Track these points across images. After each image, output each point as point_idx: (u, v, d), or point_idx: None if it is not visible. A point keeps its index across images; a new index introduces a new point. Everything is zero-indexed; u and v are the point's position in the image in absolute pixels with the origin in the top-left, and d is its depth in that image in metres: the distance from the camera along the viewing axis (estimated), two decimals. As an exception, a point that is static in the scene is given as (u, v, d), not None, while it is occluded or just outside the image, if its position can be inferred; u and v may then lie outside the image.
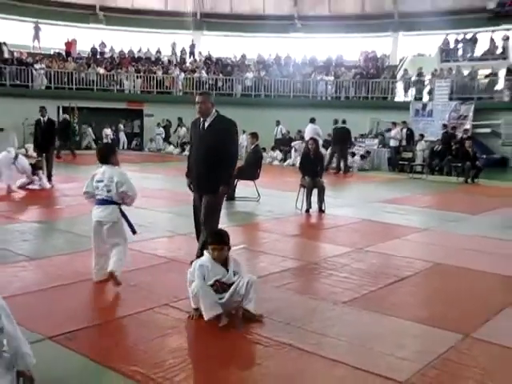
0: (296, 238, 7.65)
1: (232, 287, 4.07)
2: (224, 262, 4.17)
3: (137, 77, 24.36)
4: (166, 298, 4.55)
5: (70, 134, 20.00)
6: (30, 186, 11.01)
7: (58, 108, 21.75)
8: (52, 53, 25.66)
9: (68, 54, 25.52)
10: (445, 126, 18.55)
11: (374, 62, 24.70)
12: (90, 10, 27.18)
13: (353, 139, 18.44)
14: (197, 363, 3.55)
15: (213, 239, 4.24)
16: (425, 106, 20.60)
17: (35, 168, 11.14)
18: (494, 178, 15.37)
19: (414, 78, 21.84)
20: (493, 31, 22.63)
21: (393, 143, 18.65)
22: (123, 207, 5.00)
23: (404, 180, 15.61)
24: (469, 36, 23.01)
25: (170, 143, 23.41)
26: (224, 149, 5.32)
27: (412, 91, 21.74)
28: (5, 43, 23.50)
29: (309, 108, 20.46)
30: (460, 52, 23.24)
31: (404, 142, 18.48)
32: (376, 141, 19.54)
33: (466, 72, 21.24)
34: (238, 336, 3.89)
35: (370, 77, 23.06)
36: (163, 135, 23.66)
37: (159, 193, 11.17)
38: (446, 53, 23.32)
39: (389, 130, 19.45)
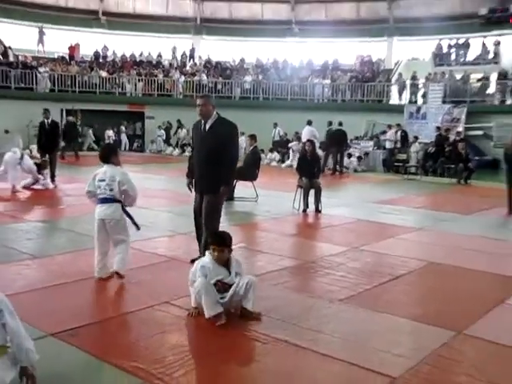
0: (293, 238, 7.70)
1: (232, 288, 4.10)
2: (225, 263, 4.18)
3: (138, 80, 24.44)
4: (167, 296, 4.58)
5: (75, 136, 20.11)
6: (34, 186, 11.14)
7: (62, 110, 21.81)
8: (56, 56, 25.84)
9: (71, 57, 25.54)
10: (438, 128, 18.68)
11: (370, 66, 24.87)
12: (93, 15, 27.40)
13: (348, 141, 18.62)
14: (196, 359, 3.57)
15: (213, 240, 4.26)
16: (419, 108, 20.86)
17: (40, 167, 11.29)
18: (486, 179, 15.45)
19: (408, 82, 21.97)
20: (485, 36, 22.83)
21: (388, 145, 18.79)
22: None
23: (399, 181, 15.70)
24: (461, 41, 23.27)
25: (170, 145, 23.50)
26: (225, 150, 5.34)
27: (406, 94, 21.86)
28: (10, 47, 23.61)
29: (306, 110, 20.45)
30: (453, 56, 23.48)
31: (399, 144, 18.57)
32: (371, 143, 19.75)
33: (458, 76, 21.41)
34: (236, 333, 3.92)
35: (365, 80, 23.24)
36: (164, 137, 23.70)
37: (161, 193, 11.24)
38: (440, 57, 23.54)
39: (384, 133, 19.62)
